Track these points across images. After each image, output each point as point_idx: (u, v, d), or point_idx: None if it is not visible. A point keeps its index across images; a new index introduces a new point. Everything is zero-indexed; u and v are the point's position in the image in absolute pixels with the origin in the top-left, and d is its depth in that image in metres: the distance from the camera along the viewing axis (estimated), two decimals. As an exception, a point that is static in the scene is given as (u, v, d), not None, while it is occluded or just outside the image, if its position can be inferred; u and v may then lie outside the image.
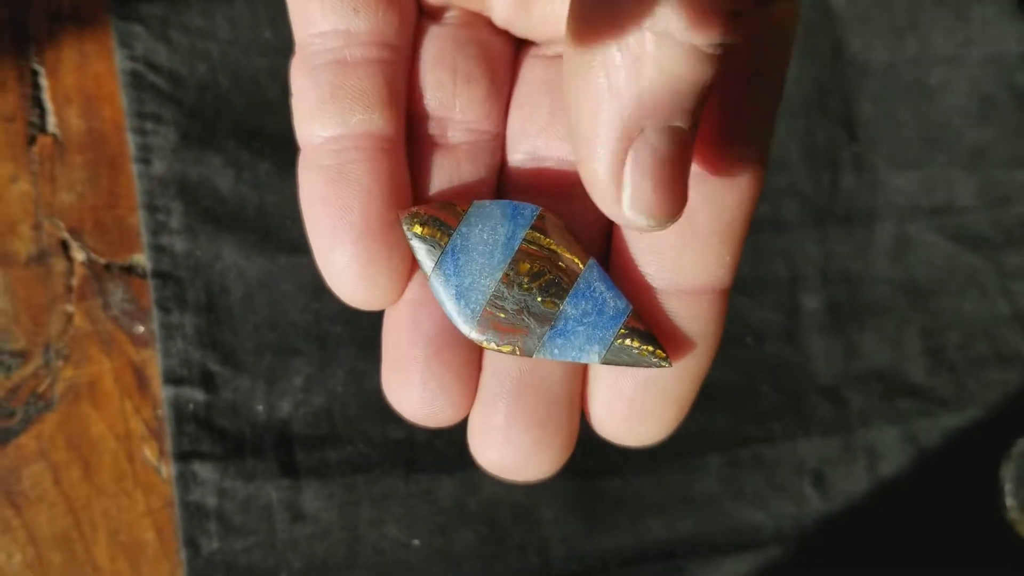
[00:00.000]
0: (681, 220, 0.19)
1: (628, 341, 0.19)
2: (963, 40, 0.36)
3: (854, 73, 0.35)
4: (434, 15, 0.21)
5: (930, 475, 0.33)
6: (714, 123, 0.19)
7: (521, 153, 0.21)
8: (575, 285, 0.19)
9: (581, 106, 0.17)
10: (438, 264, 0.19)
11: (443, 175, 0.21)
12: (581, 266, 0.19)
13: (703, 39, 0.16)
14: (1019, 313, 0.35)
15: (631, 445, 0.21)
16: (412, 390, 0.19)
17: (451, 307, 0.19)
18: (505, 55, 0.22)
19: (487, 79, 0.21)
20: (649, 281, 0.20)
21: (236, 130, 0.28)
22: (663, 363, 0.19)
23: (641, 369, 0.19)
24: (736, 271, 0.20)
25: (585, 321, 0.19)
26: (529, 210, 0.19)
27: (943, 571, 0.32)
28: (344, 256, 0.19)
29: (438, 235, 0.19)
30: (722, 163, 0.19)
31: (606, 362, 0.19)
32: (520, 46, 0.22)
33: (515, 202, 0.19)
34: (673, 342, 0.20)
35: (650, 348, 0.19)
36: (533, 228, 0.19)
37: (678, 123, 0.17)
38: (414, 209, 0.19)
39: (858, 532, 0.32)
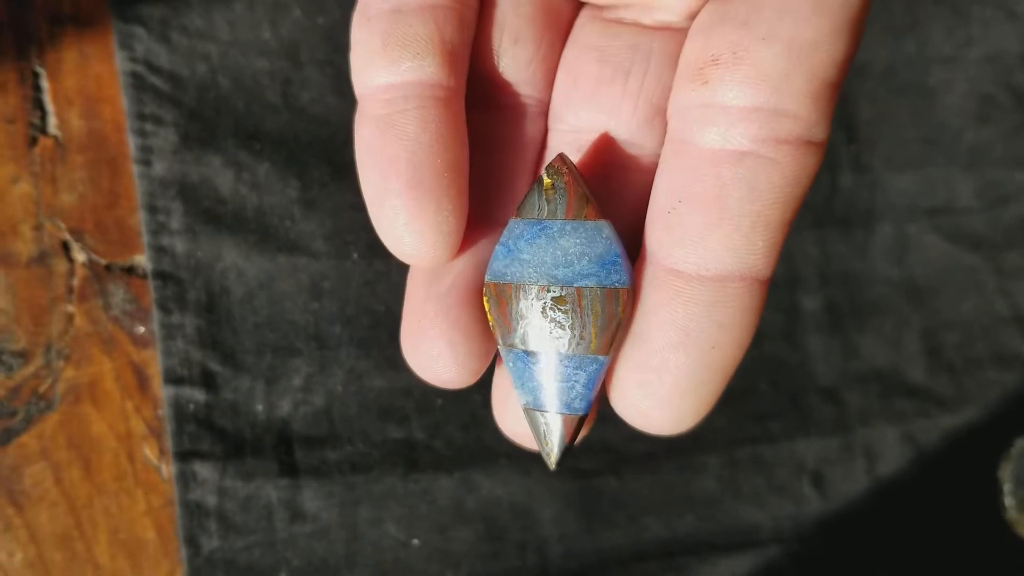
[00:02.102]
0: (711, 199, 0.18)
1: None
2: (962, 40, 0.36)
3: (853, 73, 0.35)
4: None
5: (929, 475, 0.33)
6: (746, 92, 0.18)
7: (565, 124, 0.20)
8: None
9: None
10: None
11: (480, 140, 0.20)
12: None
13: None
14: (1018, 313, 0.35)
15: (651, 432, 0.19)
16: (421, 346, 0.19)
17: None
18: (564, 15, 0.21)
19: (535, 41, 0.20)
20: (672, 265, 0.19)
21: (236, 131, 0.29)
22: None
23: (664, 358, 0.19)
24: (775, 262, 0.19)
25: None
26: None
27: (942, 571, 0.32)
28: (392, 208, 0.18)
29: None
30: (758, 139, 0.18)
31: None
32: (582, 5, 0.21)
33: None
34: (682, 329, 0.19)
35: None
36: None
37: None
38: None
39: (857, 532, 0.32)
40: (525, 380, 0.19)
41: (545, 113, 0.21)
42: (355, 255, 0.29)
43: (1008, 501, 0.33)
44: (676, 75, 0.19)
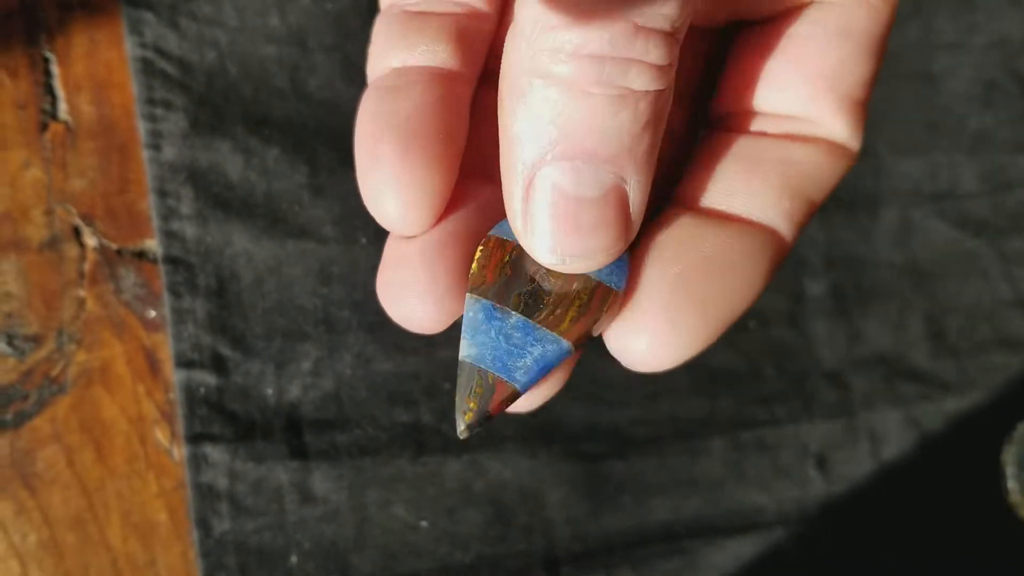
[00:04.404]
0: (747, 156, 0.19)
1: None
2: (966, 26, 0.36)
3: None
4: None
5: (932, 459, 0.33)
6: (780, 79, 0.19)
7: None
8: None
9: (501, 138, 0.17)
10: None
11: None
12: None
13: (583, 79, 0.15)
14: (1021, 298, 0.35)
15: (640, 368, 0.19)
16: (396, 285, 0.19)
17: None
18: None
19: None
20: (700, 204, 0.19)
21: (245, 117, 0.29)
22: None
23: (677, 281, 0.18)
24: (799, 233, 0.19)
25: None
26: None
27: (945, 554, 0.32)
28: (380, 172, 0.18)
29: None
30: (793, 134, 0.19)
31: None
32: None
33: None
34: (703, 256, 0.18)
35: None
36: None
37: (592, 165, 0.16)
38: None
39: (860, 515, 0.32)
40: (478, 333, 0.19)
41: None
42: (363, 240, 0.29)
43: (1011, 485, 0.33)
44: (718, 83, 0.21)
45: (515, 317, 0.19)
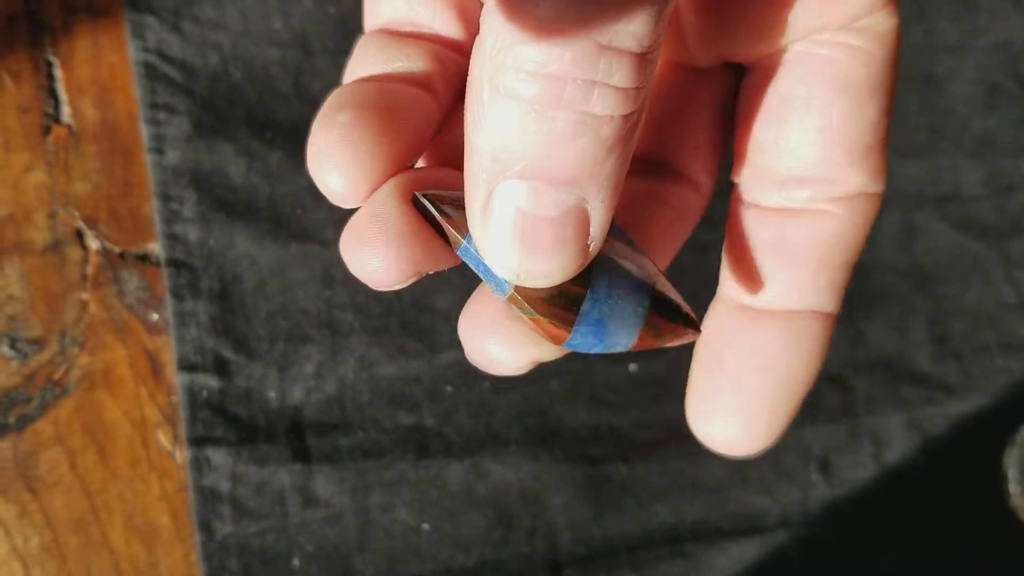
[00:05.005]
0: (775, 243, 0.19)
1: (654, 317, 0.19)
2: (969, 29, 0.36)
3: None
4: None
5: (934, 462, 0.33)
6: (786, 143, 0.19)
7: None
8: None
9: (465, 144, 0.17)
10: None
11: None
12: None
13: (530, 96, 0.15)
14: (1023, 301, 0.35)
15: (732, 454, 0.21)
16: (363, 243, 0.18)
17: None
18: None
19: None
20: (744, 302, 0.20)
21: (247, 120, 0.29)
22: (693, 332, 0.19)
23: (744, 383, 0.20)
24: (840, 297, 0.20)
25: (609, 302, 0.19)
26: None
27: (946, 556, 0.32)
28: (332, 134, 0.18)
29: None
30: (812, 199, 0.19)
31: (638, 347, 0.19)
32: None
33: None
34: (758, 353, 0.20)
35: (678, 317, 0.19)
36: None
37: (563, 188, 0.16)
38: (439, 193, 0.18)
39: (863, 518, 0.32)
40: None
41: None
42: (366, 243, 0.29)
43: (1012, 488, 0.33)
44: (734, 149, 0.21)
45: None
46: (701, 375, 0.20)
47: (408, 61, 0.19)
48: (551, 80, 0.15)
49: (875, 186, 0.20)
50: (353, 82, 0.19)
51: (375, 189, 0.18)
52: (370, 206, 0.18)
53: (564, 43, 0.15)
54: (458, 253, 0.18)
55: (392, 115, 0.18)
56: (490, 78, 0.15)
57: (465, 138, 0.17)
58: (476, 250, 0.17)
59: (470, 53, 0.19)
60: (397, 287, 0.18)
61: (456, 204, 0.18)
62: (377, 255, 0.18)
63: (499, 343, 0.18)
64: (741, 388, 0.20)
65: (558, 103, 0.15)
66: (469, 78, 0.16)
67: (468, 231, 0.18)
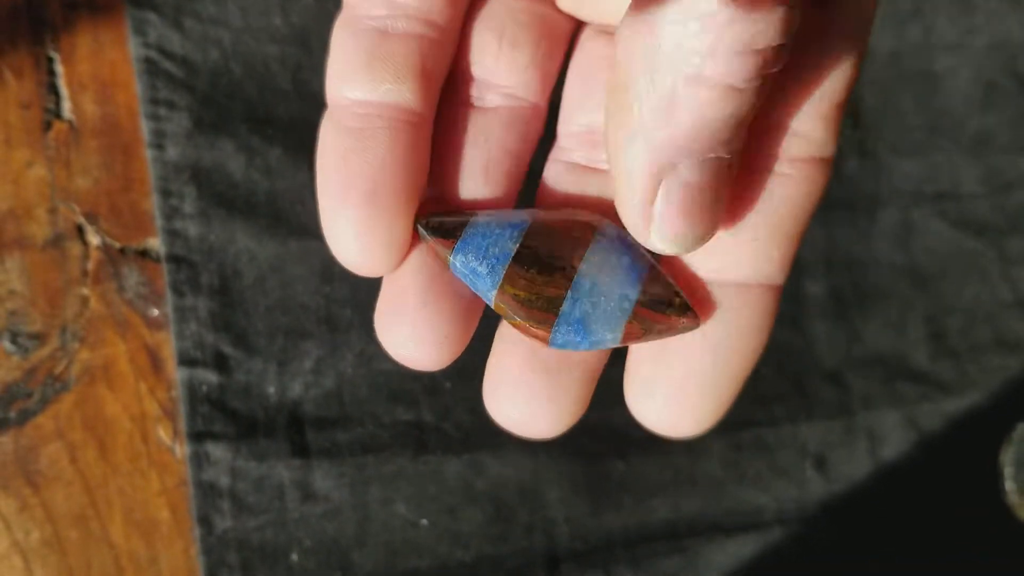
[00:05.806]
0: (729, 211, 0.19)
1: (649, 308, 0.19)
2: (967, 27, 0.36)
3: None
4: None
5: (931, 459, 0.33)
6: (762, 117, 0.19)
7: (577, 125, 0.21)
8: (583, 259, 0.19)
9: (617, 142, 0.17)
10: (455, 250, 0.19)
11: (477, 138, 0.21)
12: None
13: (738, 78, 0.16)
14: (1021, 299, 0.35)
15: (667, 435, 0.21)
16: (402, 329, 0.19)
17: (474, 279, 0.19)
18: (560, 28, 0.21)
19: (532, 47, 0.21)
20: (694, 270, 0.20)
21: (248, 116, 0.29)
22: (690, 322, 0.19)
23: (680, 361, 0.19)
24: (788, 270, 0.20)
25: (596, 295, 0.19)
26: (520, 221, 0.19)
27: (943, 554, 0.33)
28: (347, 220, 0.19)
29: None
30: (768, 157, 0.19)
31: (627, 342, 0.19)
32: (583, 25, 0.22)
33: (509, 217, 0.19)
34: (700, 332, 0.19)
35: (675, 309, 0.19)
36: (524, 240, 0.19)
37: (715, 154, 0.17)
38: (432, 219, 0.19)
39: (859, 515, 0.32)
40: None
41: (540, 117, 0.22)
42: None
43: (1009, 485, 0.33)
44: None
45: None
46: (639, 351, 0.20)
47: (396, 82, 0.19)
48: (756, 55, 0.15)
49: (830, 149, 0.20)
50: (347, 132, 0.19)
51: (402, 257, 0.20)
52: (407, 289, 0.20)
53: (769, 14, 0.15)
54: (450, 268, 0.19)
55: (400, 185, 0.19)
56: (677, 62, 0.16)
57: (612, 131, 0.17)
58: (461, 265, 0.19)
59: (450, 39, 0.20)
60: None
61: (439, 223, 0.19)
62: (425, 342, 0.19)
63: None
64: (687, 370, 0.20)
65: (757, 74, 0.16)
66: (624, 67, 0.16)
67: (452, 250, 0.19)
